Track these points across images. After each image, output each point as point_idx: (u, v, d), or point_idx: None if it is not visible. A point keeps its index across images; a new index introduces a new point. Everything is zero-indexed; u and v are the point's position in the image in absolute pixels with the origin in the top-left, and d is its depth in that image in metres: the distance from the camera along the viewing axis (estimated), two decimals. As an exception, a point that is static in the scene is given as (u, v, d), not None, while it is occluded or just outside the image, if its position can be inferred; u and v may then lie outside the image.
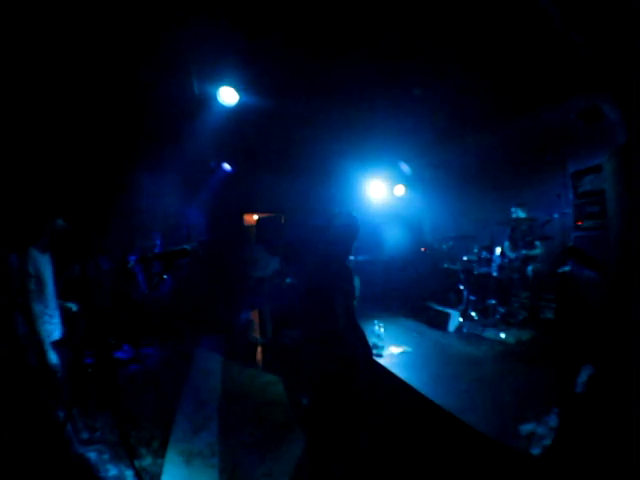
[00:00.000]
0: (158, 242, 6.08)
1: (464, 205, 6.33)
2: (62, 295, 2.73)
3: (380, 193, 7.18)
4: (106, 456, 2.61)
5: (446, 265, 5.81)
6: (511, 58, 3.70)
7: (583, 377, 2.26)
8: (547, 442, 2.01)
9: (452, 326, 4.72)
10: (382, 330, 3.88)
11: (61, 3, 2.74)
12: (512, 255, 4.66)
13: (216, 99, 4.31)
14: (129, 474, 2.40)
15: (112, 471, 2.47)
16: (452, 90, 4.37)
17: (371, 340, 3.90)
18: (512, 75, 3.99)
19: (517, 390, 2.81)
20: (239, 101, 4.35)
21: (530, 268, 4.55)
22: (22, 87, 3.25)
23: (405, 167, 6.93)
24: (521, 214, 4.75)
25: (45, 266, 2.54)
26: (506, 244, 4.84)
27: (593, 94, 3.94)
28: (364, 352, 2.14)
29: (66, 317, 2.71)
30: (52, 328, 2.53)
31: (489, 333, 4.35)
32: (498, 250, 4.87)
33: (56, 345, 2.52)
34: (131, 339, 5.04)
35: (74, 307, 2.80)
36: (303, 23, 3.27)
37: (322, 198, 7.53)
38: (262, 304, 5.22)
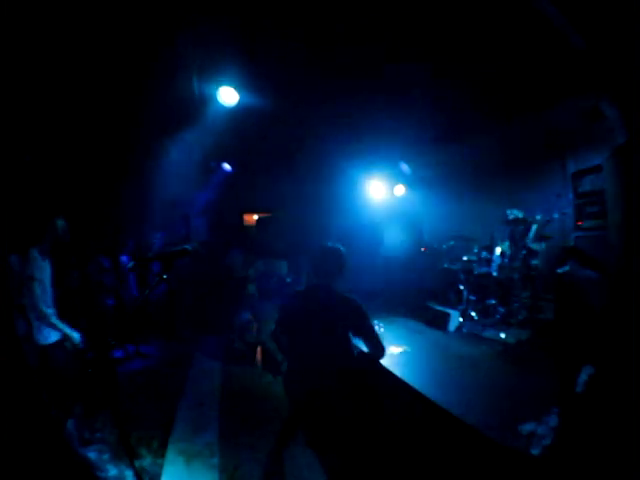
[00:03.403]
0: (157, 242, 6.08)
1: (464, 205, 6.33)
2: (62, 303, 2.68)
3: (380, 193, 7.18)
4: (106, 456, 2.61)
5: (446, 265, 5.81)
6: (511, 58, 3.70)
7: (583, 377, 2.26)
8: (547, 442, 2.01)
9: (452, 326, 4.71)
10: (382, 330, 3.88)
11: (63, 3, 2.74)
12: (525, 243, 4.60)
13: (216, 99, 4.31)
14: (129, 474, 2.40)
15: (112, 471, 2.47)
16: (452, 90, 4.37)
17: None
18: (512, 75, 3.99)
19: (517, 390, 2.81)
20: (239, 101, 4.35)
21: (535, 262, 4.53)
22: (23, 88, 3.25)
23: (405, 167, 6.93)
24: (517, 213, 4.74)
25: (45, 268, 2.53)
26: (506, 244, 4.84)
27: (593, 94, 3.94)
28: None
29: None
30: (47, 333, 2.51)
31: (489, 333, 4.35)
32: (498, 250, 4.87)
33: (55, 346, 2.52)
34: (131, 339, 5.04)
35: (76, 338, 2.60)
36: (303, 23, 3.27)
37: (322, 198, 7.54)
38: (253, 304, 5.26)
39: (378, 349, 2.20)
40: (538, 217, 4.64)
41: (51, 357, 2.48)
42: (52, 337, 2.52)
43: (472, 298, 5.01)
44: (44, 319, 2.45)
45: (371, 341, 2.19)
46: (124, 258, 5.52)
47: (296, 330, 2.25)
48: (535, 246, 4.58)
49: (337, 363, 2.15)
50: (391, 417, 2.89)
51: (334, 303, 2.18)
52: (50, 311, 2.47)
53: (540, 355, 3.50)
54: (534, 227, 4.65)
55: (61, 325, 2.51)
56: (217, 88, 4.22)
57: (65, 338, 2.54)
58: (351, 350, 2.21)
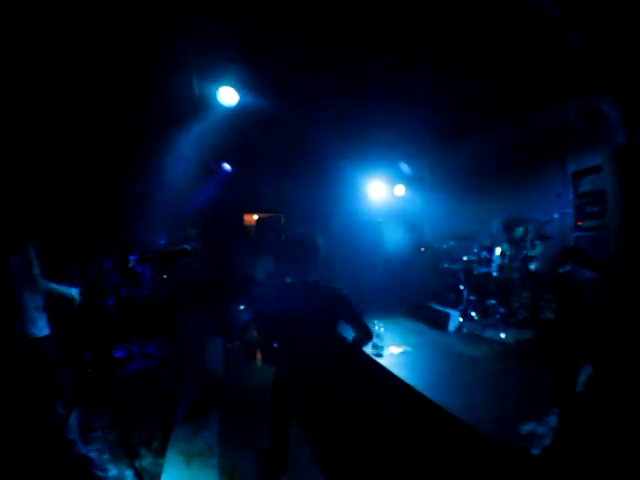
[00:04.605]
0: (162, 242, 6.08)
1: (464, 205, 6.33)
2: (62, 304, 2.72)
3: (380, 193, 7.18)
4: (106, 456, 2.61)
5: (446, 265, 5.81)
6: (511, 58, 3.70)
7: (583, 377, 2.26)
8: (547, 442, 2.01)
9: (452, 326, 4.71)
10: (382, 330, 3.88)
11: (62, 3, 2.74)
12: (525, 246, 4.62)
13: (216, 99, 4.30)
14: (129, 474, 2.40)
15: (112, 471, 2.47)
16: (452, 90, 4.37)
17: (371, 340, 3.89)
18: (512, 75, 4.00)
19: (517, 390, 2.81)
20: (239, 101, 4.35)
21: (533, 266, 4.55)
22: (24, 88, 3.25)
23: (405, 167, 6.93)
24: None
25: (36, 268, 2.55)
26: (505, 244, 4.84)
27: (593, 94, 3.95)
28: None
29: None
30: (42, 325, 2.54)
31: (489, 333, 4.35)
32: (498, 250, 4.87)
33: (47, 339, 2.53)
34: (131, 339, 5.04)
35: (75, 293, 2.72)
36: (303, 23, 3.27)
37: (322, 198, 7.54)
38: (253, 304, 5.26)
39: (366, 333, 2.23)
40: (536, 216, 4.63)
41: (43, 350, 2.49)
42: (45, 330, 2.53)
43: (472, 298, 5.01)
44: (46, 290, 2.52)
45: (360, 327, 2.22)
46: (133, 258, 5.52)
47: (288, 331, 2.22)
48: (532, 252, 4.58)
49: (333, 356, 2.15)
50: (391, 417, 2.89)
51: (323, 297, 2.16)
52: (48, 286, 2.54)
53: (540, 355, 3.50)
54: (520, 229, 4.67)
55: (58, 287, 2.61)
56: (217, 88, 4.21)
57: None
58: (341, 340, 2.22)
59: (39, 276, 2.50)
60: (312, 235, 2.22)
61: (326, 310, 2.14)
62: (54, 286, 2.59)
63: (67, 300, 2.67)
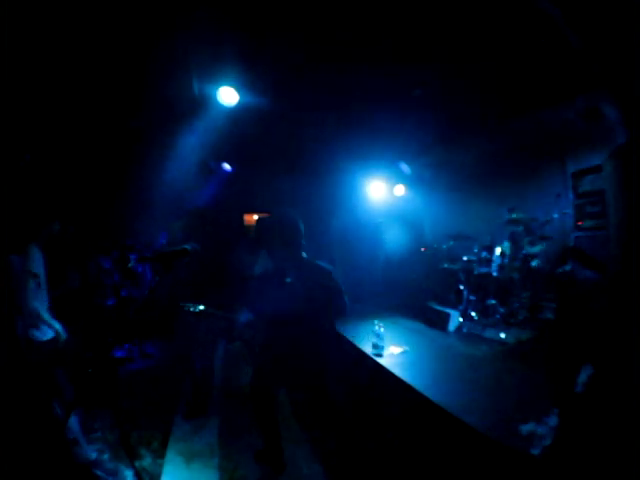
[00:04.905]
0: (163, 241, 6.08)
1: (464, 205, 6.34)
2: (62, 304, 2.69)
3: (380, 193, 7.19)
4: (106, 456, 2.62)
5: (446, 265, 5.81)
6: (511, 58, 3.70)
7: (583, 377, 2.26)
8: (547, 442, 2.01)
9: (452, 326, 4.71)
10: (382, 330, 3.88)
11: (62, 3, 2.74)
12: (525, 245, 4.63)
13: (216, 99, 4.30)
14: (129, 474, 2.41)
15: (112, 471, 2.47)
16: (452, 90, 4.37)
17: (371, 340, 3.89)
18: (512, 75, 4.00)
19: (517, 390, 2.81)
20: (239, 101, 4.35)
21: (534, 263, 4.55)
22: (23, 87, 3.25)
23: (405, 167, 6.93)
24: (518, 215, 4.75)
25: (41, 264, 2.55)
26: (505, 244, 4.85)
27: (593, 94, 3.95)
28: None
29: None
30: (45, 328, 2.53)
31: (489, 333, 4.35)
32: (498, 250, 4.87)
33: (51, 343, 2.53)
34: (131, 339, 5.05)
35: (59, 328, 2.59)
36: (304, 23, 3.27)
37: (322, 198, 7.54)
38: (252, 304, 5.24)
39: (342, 307, 2.16)
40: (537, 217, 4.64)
41: (47, 353, 2.49)
42: (49, 333, 2.53)
43: (472, 298, 5.01)
44: (34, 313, 2.45)
45: (338, 298, 2.15)
46: (133, 257, 5.52)
47: (281, 311, 2.16)
48: (532, 252, 4.58)
49: (321, 340, 2.14)
50: (391, 417, 2.89)
51: (315, 272, 2.12)
52: (38, 305, 2.47)
53: (540, 355, 3.50)
54: (520, 227, 4.68)
55: (47, 317, 2.52)
56: (217, 88, 4.21)
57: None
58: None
59: (32, 291, 2.43)
60: (295, 215, 2.20)
61: (316, 287, 2.07)
62: (44, 314, 2.51)
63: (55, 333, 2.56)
